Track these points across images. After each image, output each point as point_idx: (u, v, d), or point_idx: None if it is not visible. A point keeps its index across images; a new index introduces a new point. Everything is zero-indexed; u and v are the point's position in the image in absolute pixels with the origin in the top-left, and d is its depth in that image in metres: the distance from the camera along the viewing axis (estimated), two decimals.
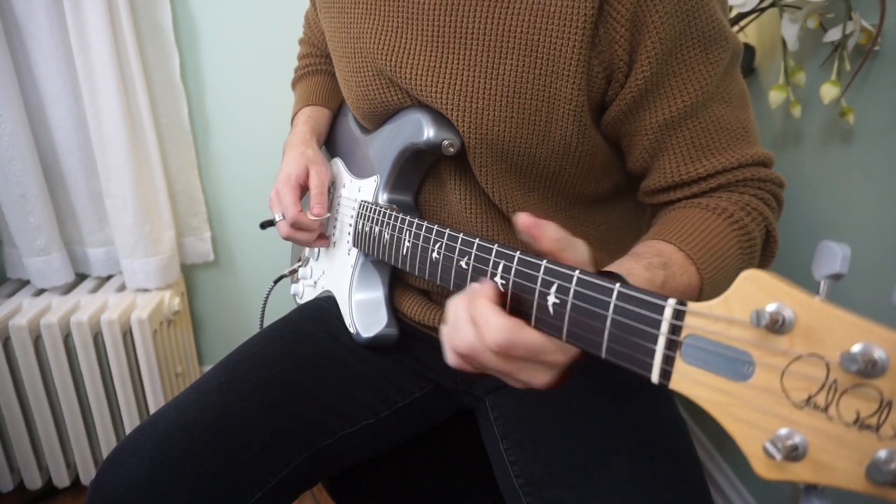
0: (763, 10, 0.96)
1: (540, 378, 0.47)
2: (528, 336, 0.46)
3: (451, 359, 0.51)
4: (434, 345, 0.81)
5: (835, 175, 0.92)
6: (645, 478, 0.64)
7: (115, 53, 1.27)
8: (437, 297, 0.80)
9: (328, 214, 0.83)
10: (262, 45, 1.43)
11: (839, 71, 0.83)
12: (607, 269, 0.53)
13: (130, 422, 1.39)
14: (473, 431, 0.83)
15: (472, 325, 0.47)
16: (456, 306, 0.50)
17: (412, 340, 0.82)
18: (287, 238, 0.82)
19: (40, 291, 1.44)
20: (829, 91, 0.82)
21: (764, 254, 0.66)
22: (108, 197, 1.37)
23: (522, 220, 0.48)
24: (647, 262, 0.54)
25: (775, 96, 0.92)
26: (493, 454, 0.76)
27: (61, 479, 1.41)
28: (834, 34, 0.83)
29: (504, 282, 0.51)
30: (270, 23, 1.41)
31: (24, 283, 1.47)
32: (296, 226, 0.80)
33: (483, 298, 0.48)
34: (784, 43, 0.90)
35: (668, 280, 0.54)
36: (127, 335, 1.35)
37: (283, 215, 0.81)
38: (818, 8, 0.86)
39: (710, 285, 0.58)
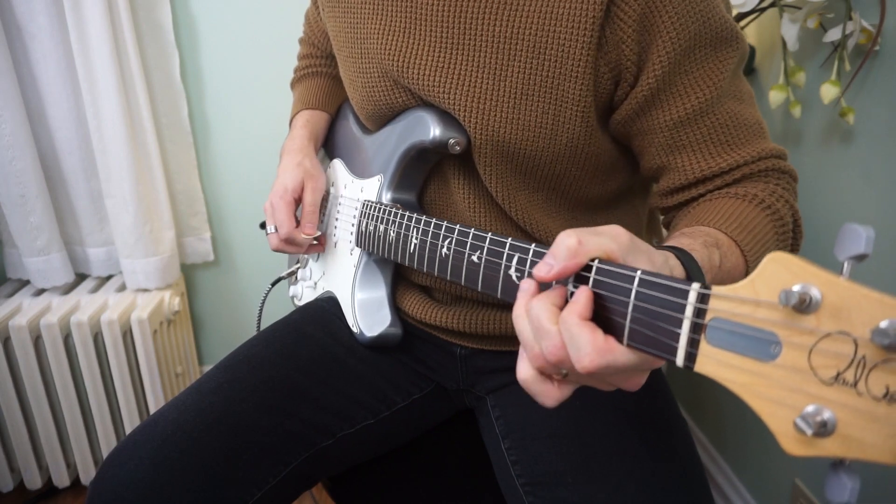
0: (763, 10, 0.96)
1: (634, 381, 0.43)
2: (623, 357, 0.41)
3: (524, 371, 0.45)
4: (435, 344, 0.82)
5: (835, 175, 0.92)
6: (646, 477, 0.64)
7: (115, 53, 1.27)
8: (439, 294, 0.80)
9: (319, 233, 0.84)
10: (262, 45, 1.43)
11: (839, 71, 0.83)
12: (668, 243, 0.52)
13: (130, 422, 1.39)
14: (473, 431, 0.83)
15: (562, 339, 0.42)
16: (539, 311, 0.43)
17: (413, 339, 0.82)
18: (277, 250, 0.83)
19: (40, 291, 1.44)
20: (828, 91, 0.82)
21: (793, 243, 0.65)
22: (108, 197, 1.37)
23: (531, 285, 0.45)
24: (703, 241, 0.53)
25: (775, 96, 0.92)
26: (494, 454, 0.76)
27: (61, 479, 1.41)
28: (834, 34, 0.83)
29: (519, 274, 0.51)
30: (270, 23, 1.41)
31: (24, 283, 1.47)
32: (287, 241, 0.81)
33: (574, 316, 0.41)
34: (784, 43, 0.90)
35: (723, 260, 0.53)
36: (127, 335, 1.35)
37: (276, 229, 0.81)
38: (818, 8, 0.85)
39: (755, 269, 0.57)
